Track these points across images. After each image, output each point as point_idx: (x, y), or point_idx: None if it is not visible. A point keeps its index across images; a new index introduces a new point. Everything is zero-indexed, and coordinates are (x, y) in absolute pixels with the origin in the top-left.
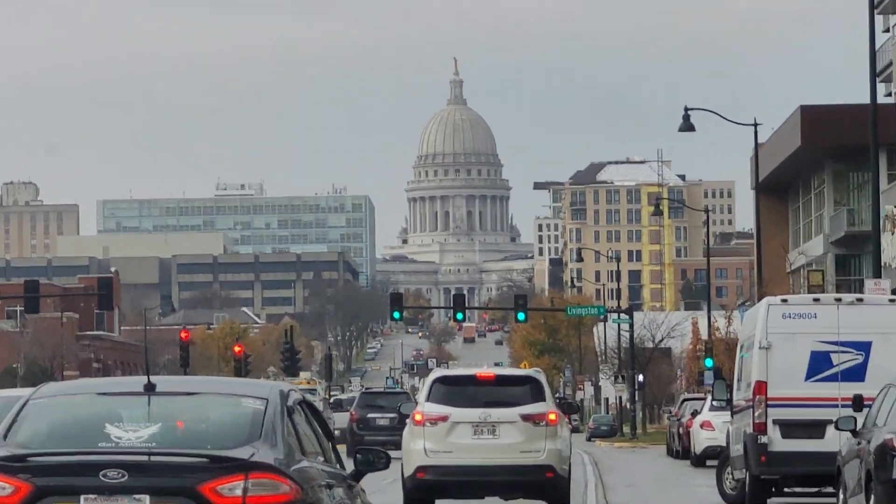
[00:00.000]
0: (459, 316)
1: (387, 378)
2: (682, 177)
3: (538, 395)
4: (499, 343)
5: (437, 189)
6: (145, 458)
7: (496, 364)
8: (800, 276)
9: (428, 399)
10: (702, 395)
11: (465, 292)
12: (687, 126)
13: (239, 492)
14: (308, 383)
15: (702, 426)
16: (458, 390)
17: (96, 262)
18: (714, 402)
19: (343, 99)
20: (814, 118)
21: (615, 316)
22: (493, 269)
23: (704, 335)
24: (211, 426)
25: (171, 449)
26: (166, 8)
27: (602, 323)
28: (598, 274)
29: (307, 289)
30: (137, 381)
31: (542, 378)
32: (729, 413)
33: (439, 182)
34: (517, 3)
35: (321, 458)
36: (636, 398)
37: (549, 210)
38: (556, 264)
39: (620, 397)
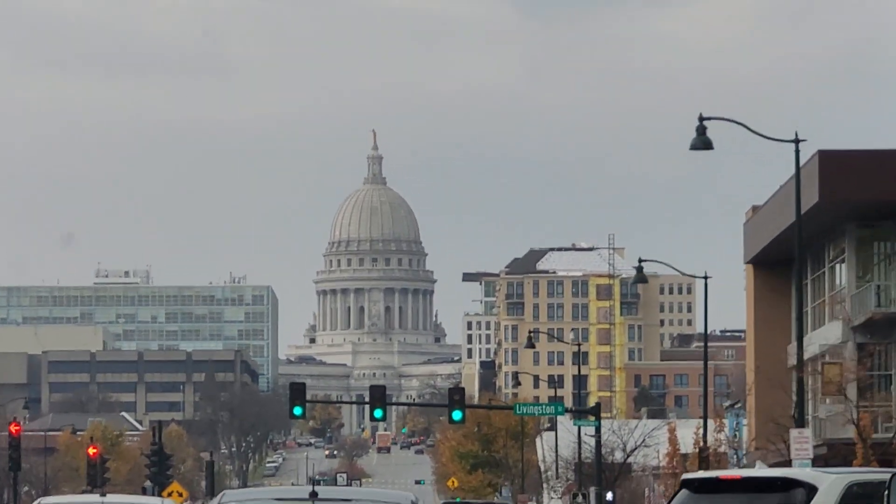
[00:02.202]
0: (378, 413)
1: None
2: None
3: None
4: (419, 453)
5: (350, 281)
6: None
7: (417, 482)
8: (805, 372)
9: None
10: None
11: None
12: (703, 142)
13: None
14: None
15: None
16: None
17: None
18: None
19: (244, 175)
20: (837, 165)
21: (574, 419)
22: (414, 374)
23: (684, 445)
24: None
25: None
26: (45, 71)
27: (545, 433)
28: (535, 379)
29: (198, 392)
30: (304, 490)
31: None
32: None
33: (353, 272)
34: (443, 71)
35: None
36: None
37: (481, 305)
38: (488, 367)
39: None
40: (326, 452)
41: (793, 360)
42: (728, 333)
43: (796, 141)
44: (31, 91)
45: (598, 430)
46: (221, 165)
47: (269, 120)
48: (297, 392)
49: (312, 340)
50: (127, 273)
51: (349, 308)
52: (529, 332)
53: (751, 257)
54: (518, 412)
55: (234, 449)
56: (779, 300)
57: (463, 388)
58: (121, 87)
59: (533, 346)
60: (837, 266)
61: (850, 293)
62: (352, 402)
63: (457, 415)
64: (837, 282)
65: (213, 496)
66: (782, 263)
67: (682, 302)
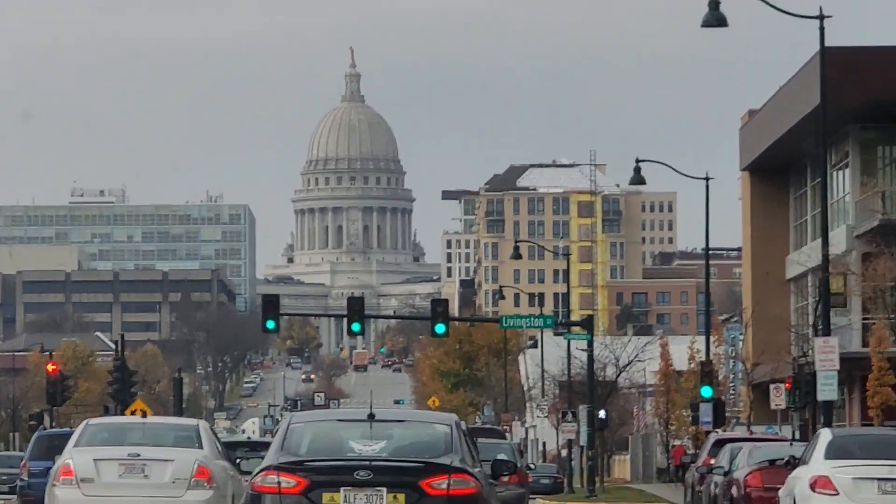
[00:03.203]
0: (356, 327)
1: (264, 417)
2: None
3: None
4: (397, 371)
5: (328, 200)
6: (384, 463)
7: (395, 402)
8: (805, 284)
9: None
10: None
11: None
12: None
13: (445, 485)
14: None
15: (813, 486)
16: None
17: None
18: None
19: (220, 94)
20: (842, 63)
21: (564, 332)
22: (393, 293)
23: (678, 362)
24: (418, 443)
25: (400, 458)
26: None
27: (529, 350)
28: (517, 297)
29: (174, 312)
30: (362, 412)
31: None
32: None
33: (331, 192)
34: None
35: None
36: (595, 442)
37: (460, 224)
38: (468, 286)
39: (570, 441)
40: (303, 376)
41: (792, 271)
42: (711, 251)
43: (821, 17)
44: (6, 9)
45: (590, 343)
46: (198, 83)
47: (247, 37)
48: (271, 305)
49: (290, 260)
50: (102, 192)
51: (327, 227)
52: (516, 241)
53: (747, 164)
54: (505, 325)
55: (210, 369)
56: (776, 209)
57: (446, 300)
58: (98, 5)
59: (519, 257)
60: (839, 172)
61: (853, 200)
62: (327, 315)
63: (440, 328)
64: (839, 189)
65: (181, 414)
66: (780, 171)
67: (664, 220)
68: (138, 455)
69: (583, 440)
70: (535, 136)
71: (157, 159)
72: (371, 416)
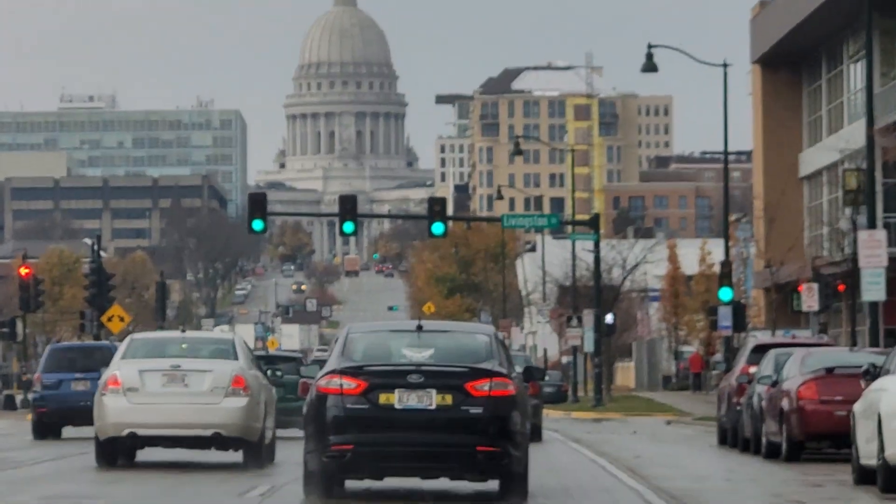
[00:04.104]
0: (348, 227)
1: (255, 324)
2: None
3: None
4: (389, 276)
5: (320, 105)
6: (433, 368)
7: (389, 308)
8: (820, 182)
9: None
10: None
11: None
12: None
13: (487, 388)
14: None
15: None
16: None
17: None
18: None
19: None
20: None
21: (570, 232)
22: (386, 199)
23: (685, 266)
24: (462, 350)
25: (447, 363)
26: None
27: (527, 255)
28: (511, 202)
29: (165, 218)
30: (411, 323)
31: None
32: None
33: (323, 96)
34: None
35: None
36: (601, 348)
37: (454, 128)
38: (462, 191)
39: (575, 347)
40: (294, 287)
41: (806, 170)
42: (708, 155)
43: None
44: None
45: (596, 243)
46: None
47: None
48: (257, 204)
49: (282, 166)
50: (91, 98)
51: (319, 133)
52: (516, 137)
53: (759, 56)
54: (507, 225)
55: (200, 276)
56: (789, 104)
57: (444, 199)
58: None
59: (520, 153)
60: (858, 63)
61: (875, 91)
62: (318, 215)
63: (438, 227)
64: (857, 80)
65: (163, 320)
66: (792, 64)
67: (660, 124)
68: (179, 366)
69: (588, 346)
70: (531, 39)
71: (147, 65)
72: (419, 327)
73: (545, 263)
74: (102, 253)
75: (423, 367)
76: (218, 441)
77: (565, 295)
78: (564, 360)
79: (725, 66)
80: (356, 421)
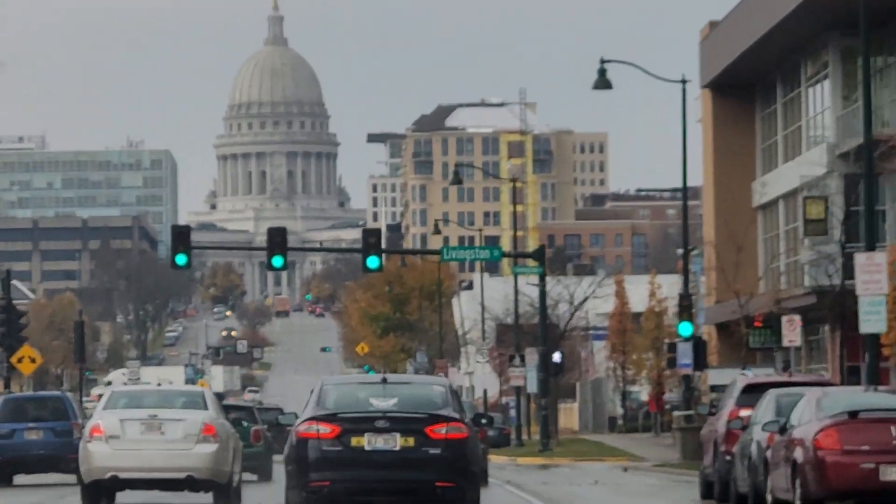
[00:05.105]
0: (277, 261)
1: (185, 366)
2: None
3: None
4: (320, 315)
5: (251, 145)
6: (398, 414)
7: (322, 350)
8: (776, 212)
9: None
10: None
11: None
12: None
13: (444, 431)
14: (23, 362)
15: None
16: None
17: None
18: None
19: (141, 36)
20: None
21: (512, 265)
22: (319, 239)
23: (636, 302)
24: (422, 399)
25: (409, 410)
26: None
27: (463, 293)
28: (447, 240)
29: (94, 259)
30: (377, 377)
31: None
32: None
33: (255, 136)
34: None
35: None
36: (548, 389)
37: (386, 167)
38: (395, 231)
39: (518, 389)
40: (224, 333)
41: (760, 199)
42: (643, 192)
43: None
44: None
45: (542, 277)
46: (118, 26)
47: None
48: (181, 237)
49: (213, 207)
50: (21, 139)
51: (251, 173)
52: (456, 165)
53: (708, 80)
54: (446, 258)
55: (131, 317)
56: (741, 130)
57: (379, 230)
58: None
59: (460, 182)
60: (817, 86)
61: (835, 115)
62: (244, 248)
63: (373, 261)
64: (816, 104)
65: (83, 361)
66: (743, 88)
67: (595, 160)
68: (156, 416)
69: (531, 387)
70: (463, 76)
71: (77, 105)
72: (384, 380)
73: (484, 301)
74: (31, 294)
75: (389, 414)
76: (190, 483)
77: (505, 333)
78: (504, 400)
79: (684, 81)
80: (332, 461)
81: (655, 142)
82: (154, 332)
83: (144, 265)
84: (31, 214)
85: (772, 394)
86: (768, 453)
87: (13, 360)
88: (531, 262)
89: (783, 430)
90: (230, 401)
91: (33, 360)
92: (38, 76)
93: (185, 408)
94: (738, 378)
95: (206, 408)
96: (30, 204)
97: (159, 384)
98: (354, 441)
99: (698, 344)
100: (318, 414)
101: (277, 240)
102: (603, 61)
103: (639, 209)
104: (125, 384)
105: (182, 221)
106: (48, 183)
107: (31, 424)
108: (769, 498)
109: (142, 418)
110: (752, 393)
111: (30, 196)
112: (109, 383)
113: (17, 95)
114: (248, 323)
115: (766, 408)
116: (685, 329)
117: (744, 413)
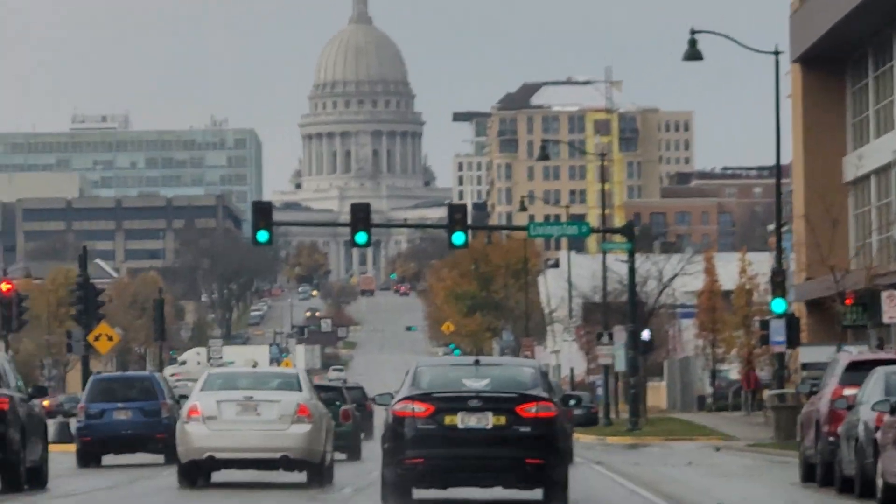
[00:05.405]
0: (361, 238)
1: (270, 345)
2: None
3: None
4: (405, 294)
5: (336, 124)
6: (490, 394)
7: (407, 329)
8: (868, 187)
9: None
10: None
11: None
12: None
13: (534, 410)
14: (100, 340)
15: None
16: None
17: None
18: None
19: (225, 16)
20: None
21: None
22: (403, 218)
23: (725, 280)
24: (513, 380)
25: (501, 390)
26: None
27: (549, 270)
28: (532, 219)
29: (178, 239)
30: (469, 359)
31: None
32: None
33: (339, 115)
34: None
35: None
36: (637, 368)
37: (471, 146)
38: (481, 209)
39: (606, 367)
40: (307, 314)
41: (850, 174)
42: (729, 171)
43: None
44: None
45: (631, 253)
46: (202, 5)
47: None
48: (262, 213)
49: (298, 186)
50: (104, 118)
51: (335, 152)
52: (542, 142)
53: (798, 54)
54: (533, 233)
55: (215, 296)
56: (832, 105)
57: (464, 205)
58: None
59: (547, 157)
60: None
61: None
62: (326, 224)
63: (458, 237)
64: None
65: (163, 339)
66: (834, 62)
67: (680, 140)
68: (251, 397)
69: (619, 365)
70: (549, 54)
71: (161, 84)
72: (477, 361)
73: (571, 278)
74: (114, 273)
75: (481, 394)
76: (285, 463)
77: (591, 312)
78: (591, 379)
79: (777, 53)
80: (426, 439)
81: (741, 119)
82: (239, 312)
83: (228, 244)
84: (114, 194)
85: (880, 372)
86: (878, 434)
87: (90, 337)
88: (619, 238)
89: (894, 409)
90: (315, 380)
91: (110, 339)
92: (120, 55)
93: (279, 389)
94: (840, 355)
95: (300, 389)
96: (113, 183)
97: (254, 365)
98: (448, 420)
99: (791, 320)
100: (413, 394)
101: (361, 216)
102: (693, 32)
103: (725, 187)
104: (201, 364)
105: (267, 201)
106: (131, 162)
107: (119, 405)
108: (879, 482)
109: (238, 399)
110: (857, 371)
111: (113, 175)
112: (184, 363)
113: (99, 74)
114: (333, 302)
115: (873, 386)
116: (778, 305)
117: (848, 392)
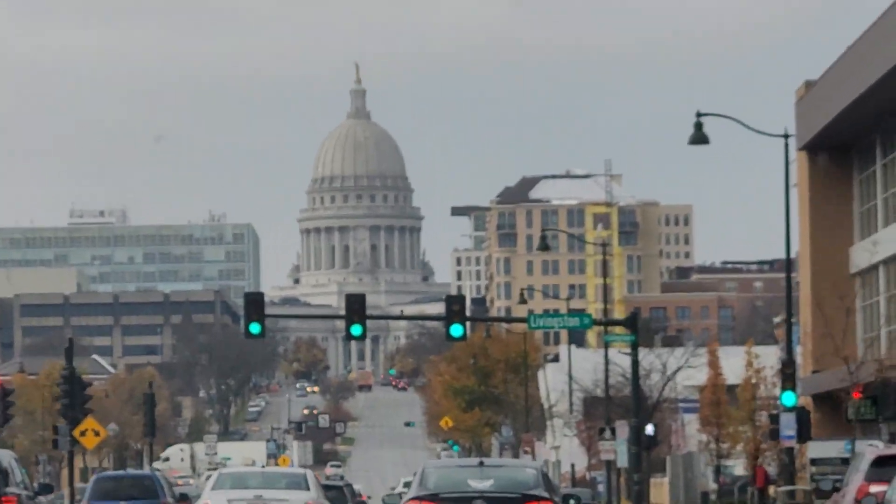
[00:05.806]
0: (356, 330)
1: (267, 441)
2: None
3: None
4: (403, 390)
5: (335, 219)
6: (494, 494)
7: (406, 424)
8: (876, 277)
9: None
10: None
11: (366, 340)
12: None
13: None
14: (87, 435)
15: None
16: None
17: None
18: None
19: (223, 111)
20: None
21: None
22: (401, 310)
23: (730, 373)
24: (516, 481)
25: (504, 490)
26: (26, 17)
27: (549, 365)
28: (531, 312)
29: (176, 334)
30: (474, 461)
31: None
32: None
33: (338, 210)
34: (426, 2)
35: None
36: (640, 463)
37: (470, 240)
38: (480, 304)
39: (608, 463)
40: (305, 411)
41: (864, 261)
42: (729, 265)
43: None
44: (7, 32)
45: (634, 346)
46: (200, 101)
47: (250, 54)
48: (254, 305)
49: (296, 281)
50: (102, 213)
51: (334, 247)
52: (542, 231)
53: (805, 142)
54: (534, 325)
55: (213, 392)
56: (838, 194)
57: (462, 297)
58: (97, 26)
59: (547, 248)
60: None
61: None
62: (327, 317)
63: (456, 329)
64: None
65: (153, 435)
66: (840, 150)
67: (680, 234)
68: (261, 496)
69: (622, 461)
70: (548, 147)
71: (158, 179)
72: (481, 463)
73: (571, 372)
74: (112, 369)
75: (486, 494)
76: None
77: (593, 406)
78: (591, 474)
79: (786, 136)
80: None
81: (742, 211)
82: (237, 407)
83: (226, 339)
84: (112, 289)
85: None
86: None
87: (76, 432)
88: (621, 330)
89: None
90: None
91: (97, 434)
92: (119, 150)
93: (287, 488)
94: (866, 450)
95: (307, 488)
96: (111, 278)
97: (263, 466)
98: None
99: (801, 414)
100: (421, 494)
101: (356, 307)
102: (699, 114)
103: (725, 281)
104: (185, 461)
105: (265, 297)
106: (129, 257)
107: (122, 503)
108: None
109: (248, 499)
110: (884, 466)
111: (111, 270)
112: (167, 459)
113: (98, 169)
114: (332, 397)
115: None
116: (789, 399)
117: (875, 489)
